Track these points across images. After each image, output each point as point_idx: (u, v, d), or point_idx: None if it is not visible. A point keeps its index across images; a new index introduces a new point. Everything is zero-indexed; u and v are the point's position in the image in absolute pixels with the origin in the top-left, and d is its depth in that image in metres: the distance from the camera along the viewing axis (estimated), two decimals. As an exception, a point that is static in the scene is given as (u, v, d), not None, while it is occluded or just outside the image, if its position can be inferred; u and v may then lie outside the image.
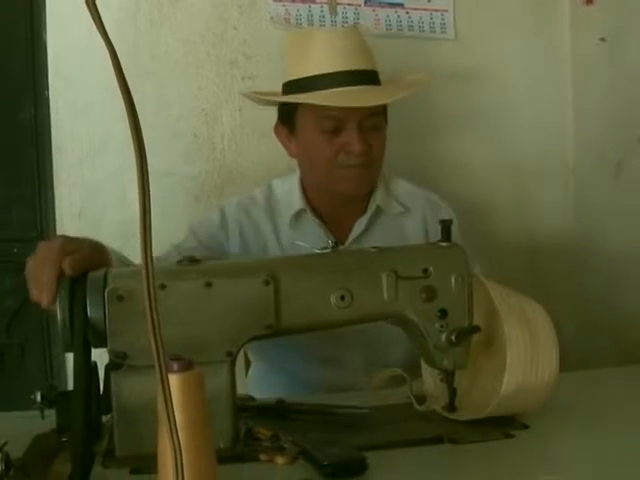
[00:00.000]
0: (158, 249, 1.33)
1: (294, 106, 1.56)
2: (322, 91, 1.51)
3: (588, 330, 2.07)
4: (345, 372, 1.57)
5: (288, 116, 1.58)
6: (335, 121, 1.50)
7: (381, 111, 1.56)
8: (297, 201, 1.61)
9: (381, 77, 1.59)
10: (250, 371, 1.71)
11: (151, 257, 0.61)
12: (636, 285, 1.95)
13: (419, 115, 2.08)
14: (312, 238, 1.53)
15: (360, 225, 1.61)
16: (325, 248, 1.17)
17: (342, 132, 1.51)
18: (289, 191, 1.64)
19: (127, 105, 0.56)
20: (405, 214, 1.66)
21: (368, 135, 1.52)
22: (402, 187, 1.69)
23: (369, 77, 1.55)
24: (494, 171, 2.14)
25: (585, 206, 2.14)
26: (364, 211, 1.61)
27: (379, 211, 1.62)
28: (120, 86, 0.55)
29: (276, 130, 1.64)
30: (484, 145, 2.13)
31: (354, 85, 1.52)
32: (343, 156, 1.52)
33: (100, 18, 0.52)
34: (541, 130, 2.16)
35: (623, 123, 1.97)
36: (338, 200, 1.60)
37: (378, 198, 1.62)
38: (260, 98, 1.68)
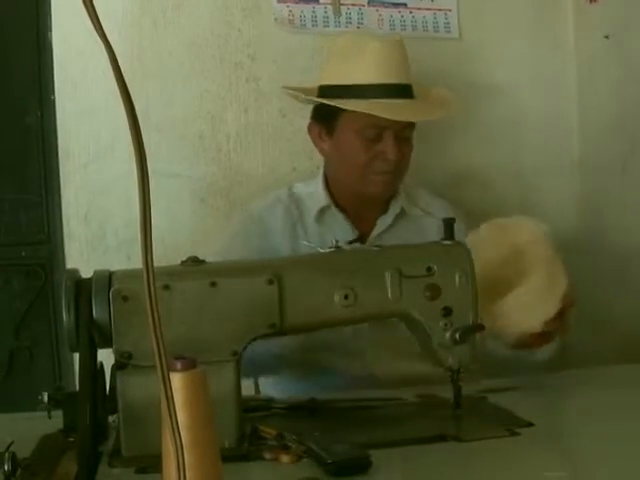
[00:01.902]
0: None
1: (336, 110, 1.62)
2: (366, 100, 1.59)
3: (593, 327, 2.07)
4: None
5: (327, 117, 1.65)
6: (377, 130, 1.59)
7: (414, 124, 1.65)
8: (321, 197, 1.69)
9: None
10: None
11: (151, 258, 0.62)
12: (642, 280, 1.95)
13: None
14: (338, 232, 1.61)
15: (385, 222, 1.69)
16: (331, 247, 1.18)
17: (380, 141, 1.60)
18: (312, 191, 1.72)
19: (126, 105, 0.57)
20: (425, 217, 1.73)
21: (401, 145, 1.62)
22: (422, 194, 1.78)
23: (407, 91, 1.65)
24: (500, 168, 2.14)
25: (590, 202, 2.13)
26: (385, 211, 1.70)
27: (402, 212, 1.71)
28: (119, 85, 0.56)
29: (310, 128, 1.71)
30: (490, 143, 2.13)
31: (395, 98, 1.61)
32: (378, 162, 1.61)
33: (97, 17, 0.52)
34: (546, 127, 2.16)
35: (628, 119, 1.97)
36: (362, 200, 1.68)
37: (400, 201, 1.71)
38: (316, 100, 1.69)
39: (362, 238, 1.66)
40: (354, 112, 1.59)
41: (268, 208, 1.70)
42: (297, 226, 1.68)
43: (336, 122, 1.64)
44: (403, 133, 1.62)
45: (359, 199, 1.68)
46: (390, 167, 1.62)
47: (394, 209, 1.70)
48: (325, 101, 1.65)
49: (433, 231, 1.62)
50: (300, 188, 1.74)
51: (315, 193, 1.71)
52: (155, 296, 0.61)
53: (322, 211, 1.69)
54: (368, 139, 1.60)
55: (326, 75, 1.69)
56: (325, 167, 1.74)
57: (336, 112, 1.63)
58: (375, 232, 1.68)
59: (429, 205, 1.75)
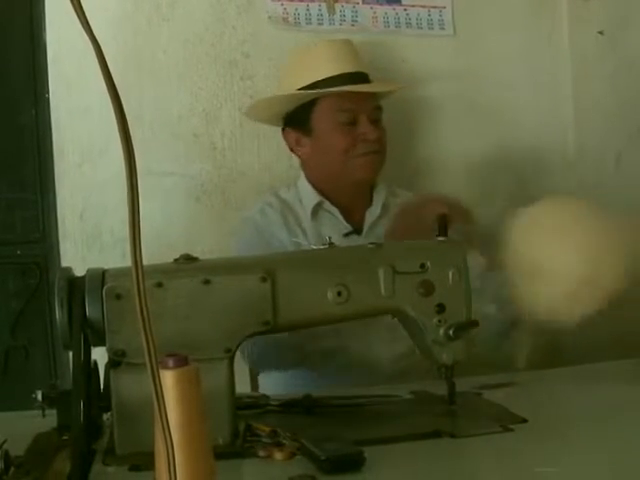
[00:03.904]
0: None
1: (309, 107, 1.72)
2: (335, 88, 1.69)
3: (589, 323, 2.06)
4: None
5: (300, 119, 1.74)
6: (349, 113, 1.70)
7: (381, 106, 1.77)
8: (312, 196, 1.75)
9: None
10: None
11: (140, 256, 0.62)
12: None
13: (418, 111, 2.09)
14: (333, 227, 1.71)
15: (373, 213, 1.75)
16: (324, 244, 1.18)
17: (356, 125, 1.70)
18: (298, 192, 1.78)
19: (113, 101, 0.57)
20: None
21: (376, 126, 1.73)
22: (401, 192, 1.84)
23: (366, 77, 1.77)
24: (494, 164, 2.14)
25: (586, 196, 2.13)
26: (370, 203, 1.77)
27: (387, 203, 1.77)
28: (105, 80, 0.56)
29: (286, 138, 1.80)
30: (484, 139, 2.13)
31: (356, 84, 1.72)
32: (360, 144, 1.70)
33: (82, 9, 0.52)
34: (541, 123, 2.16)
35: (622, 115, 1.97)
36: (348, 191, 1.75)
37: (382, 191, 1.78)
38: (291, 94, 1.75)
39: (356, 231, 1.72)
40: (324, 103, 1.70)
41: (260, 212, 1.73)
42: (293, 225, 1.71)
43: (310, 121, 1.73)
44: (374, 115, 1.73)
45: (346, 190, 1.75)
46: (371, 147, 1.71)
47: (379, 199, 1.77)
48: (296, 93, 1.72)
49: None
50: (285, 193, 1.79)
51: (302, 194, 1.77)
52: (144, 294, 0.61)
53: (316, 208, 1.74)
54: (344, 124, 1.70)
55: (287, 85, 1.77)
56: (307, 171, 1.79)
57: (307, 111, 1.72)
58: (367, 224, 1.74)
59: (402, 197, 1.81)
